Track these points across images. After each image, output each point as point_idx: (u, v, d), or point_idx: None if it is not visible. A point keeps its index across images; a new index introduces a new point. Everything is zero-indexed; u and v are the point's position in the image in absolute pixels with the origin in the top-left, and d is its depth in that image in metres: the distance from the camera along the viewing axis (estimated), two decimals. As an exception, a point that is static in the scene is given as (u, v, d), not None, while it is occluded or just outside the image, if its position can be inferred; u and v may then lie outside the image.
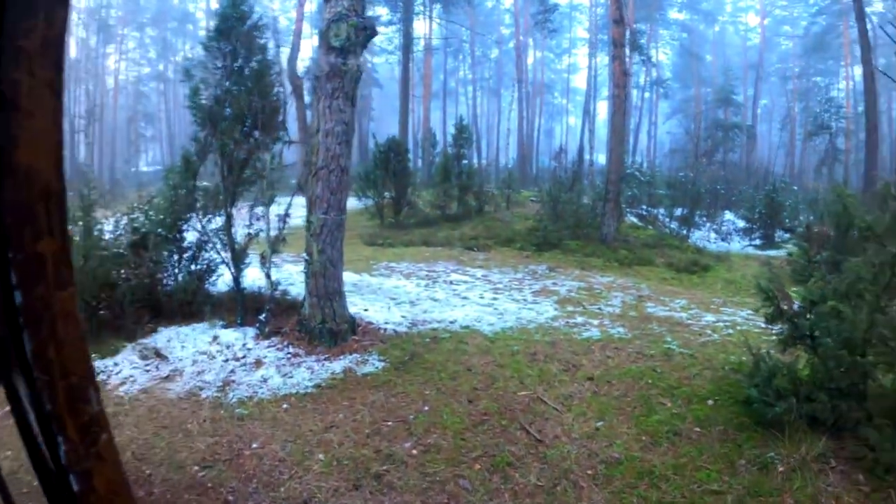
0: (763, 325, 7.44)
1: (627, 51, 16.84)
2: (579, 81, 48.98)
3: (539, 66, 48.14)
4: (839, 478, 3.73)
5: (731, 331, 7.13)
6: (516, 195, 19.46)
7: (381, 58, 43.68)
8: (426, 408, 4.75)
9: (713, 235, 16.92)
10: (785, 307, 4.76)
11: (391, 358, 5.71)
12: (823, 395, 4.05)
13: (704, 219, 17.78)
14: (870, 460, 3.76)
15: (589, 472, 4.05)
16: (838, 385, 4.02)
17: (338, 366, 5.50)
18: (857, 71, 33.02)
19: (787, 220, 16.38)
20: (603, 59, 37.12)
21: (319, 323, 5.95)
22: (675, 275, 11.60)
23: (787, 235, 16.16)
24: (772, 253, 14.79)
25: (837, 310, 3.95)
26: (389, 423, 4.52)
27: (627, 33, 16.11)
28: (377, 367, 5.52)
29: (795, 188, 20.85)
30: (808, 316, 4.46)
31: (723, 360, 5.89)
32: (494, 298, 8.35)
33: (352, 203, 22.80)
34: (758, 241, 16.21)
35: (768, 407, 4.18)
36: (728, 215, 18.68)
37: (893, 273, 3.75)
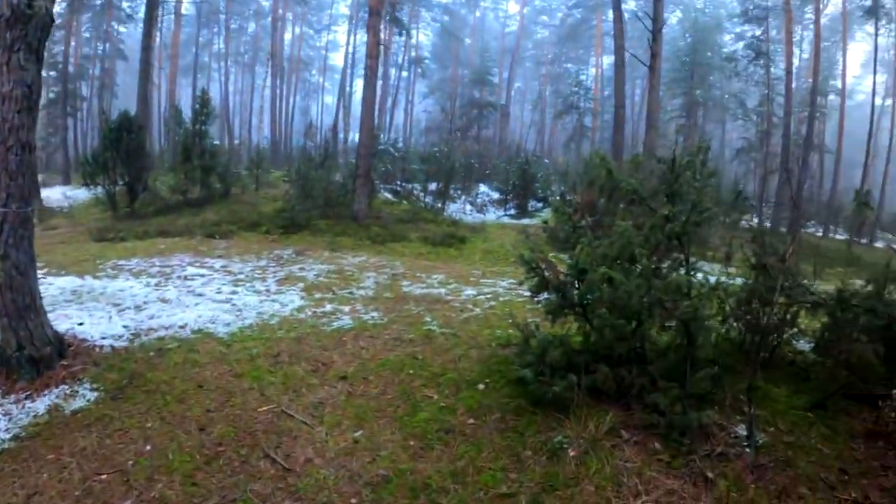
0: (527, 295, 7.94)
1: (384, 23, 16.52)
2: (339, 59, 48.65)
3: (297, 43, 46.28)
4: (635, 451, 3.72)
5: (493, 303, 7.26)
6: (267, 176, 18.50)
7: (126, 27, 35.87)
8: (148, 447, 3.97)
9: (468, 208, 18.07)
10: (549, 276, 4.75)
11: (106, 384, 4.80)
12: (603, 365, 4.06)
13: (459, 192, 18.91)
14: (663, 426, 3.83)
15: (353, 501, 3.36)
16: (619, 353, 4.07)
17: (41, 404, 4.55)
18: (607, 60, 39.71)
19: (539, 191, 18.43)
20: (363, 37, 36.87)
21: (16, 350, 4.87)
22: (431, 249, 11.82)
23: (541, 205, 18.20)
24: (526, 221, 16.44)
25: (609, 276, 3.95)
26: (103, 477, 3.71)
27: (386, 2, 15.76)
28: (89, 400, 4.60)
29: (547, 161, 23.84)
30: (576, 284, 4.48)
31: (488, 337, 5.84)
32: (234, 292, 7.53)
33: (81, 193, 18.57)
34: (512, 212, 17.88)
35: (546, 386, 4.05)
36: (483, 188, 20.28)
37: (665, 235, 3.90)
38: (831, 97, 27.86)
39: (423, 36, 46.40)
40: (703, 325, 3.89)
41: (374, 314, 6.62)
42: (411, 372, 4.96)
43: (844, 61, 27.02)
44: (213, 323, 6.14)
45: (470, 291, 7.90)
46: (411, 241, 12.29)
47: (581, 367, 4.20)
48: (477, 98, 35.95)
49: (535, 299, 4.91)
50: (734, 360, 5.06)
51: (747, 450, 3.89)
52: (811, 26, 28.09)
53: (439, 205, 16.86)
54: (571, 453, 3.71)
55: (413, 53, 41.70)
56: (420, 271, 9.31)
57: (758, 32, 25.13)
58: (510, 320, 6.41)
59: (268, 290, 7.68)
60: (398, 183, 18.36)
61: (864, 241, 21.38)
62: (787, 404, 4.59)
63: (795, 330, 5.30)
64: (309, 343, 5.61)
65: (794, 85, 23.06)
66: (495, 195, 19.43)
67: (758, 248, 5.67)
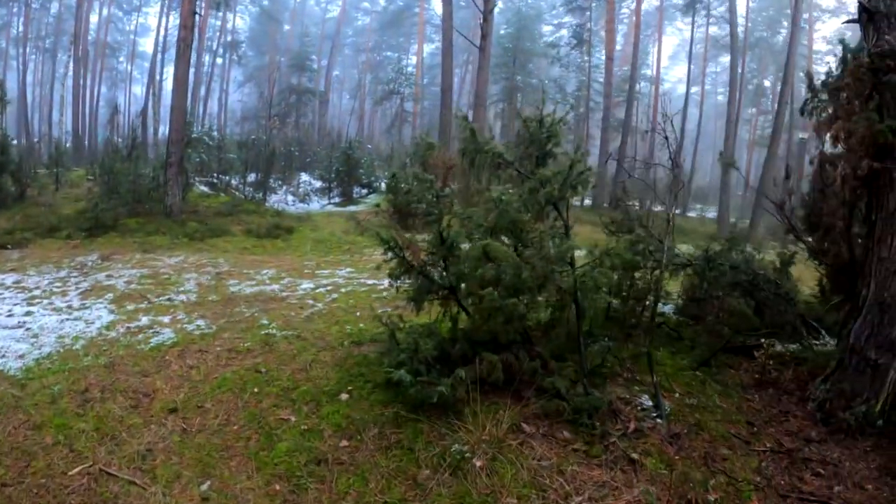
0: (369, 283, 7.07)
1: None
2: (149, 45, 42.27)
3: (104, 26, 38.87)
4: (546, 445, 3.20)
5: (335, 295, 6.42)
6: (68, 175, 15.89)
7: None
8: None
9: (290, 198, 16.69)
10: (410, 257, 3.92)
11: None
12: (486, 352, 3.32)
13: (280, 182, 17.49)
14: (569, 412, 3.38)
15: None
16: (509, 338, 3.34)
17: None
18: (428, 47, 39.94)
19: (363, 177, 17.58)
20: (176, 20, 32.07)
21: None
22: (256, 242, 10.47)
23: (366, 191, 17.29)
24: (353, 208, 15.49)
25: (489, 250, 3.19)
26: None
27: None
28: None
29: (370, 147, 22.94)
30: (444, 263, 3.69)
31: (338, 335, 5.01)
32: (28, 313, 5.93)
33: None
34: (337, 199, 16.83)
35: (430, 387, 3.22)
36: (304, 177, 18.92)
37: (542, 201, 3.25)
38: (643, 84, 31.52)
39: (241, 20, 42.64)
40: (594, 296, 3.37)
41: (201, 322, 5.40)
42: (256, 390, 3.93)
43: (659, 52, 31.21)
44: (2, 357, 4.71)
45: (307, 285, 6.95)
46: (234, 235, 10.86)
47: (458, 358, 3.59)
48: (295, 84, 33.69)
49: (395, 285, 4.20)
50: (608, 329, 4.92)
51: (658, 420, 3.67)
52: (626, 20, 32.10)
53: (260, 196, 15.26)
54: (478, 463, 3.07)
55: (229, 38, 37.74)
56: (247, 267, 8.09)
57: (580, 21, 27.27)
58: (358, 313, 5.67)
59: (70, 307, 6.19)
60: (215, 175, 16.45)
61: (678, 211, 24.72)
62: (672, 367, 4.54)
63: (664, 293, 5.30)
64: (124, 369, 4.32)
65: (616, 69, 25.53)
66: (318, 184, 18.23)
67: (623, 216, 5.58)
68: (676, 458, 3.29)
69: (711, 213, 24.62)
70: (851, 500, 3.13)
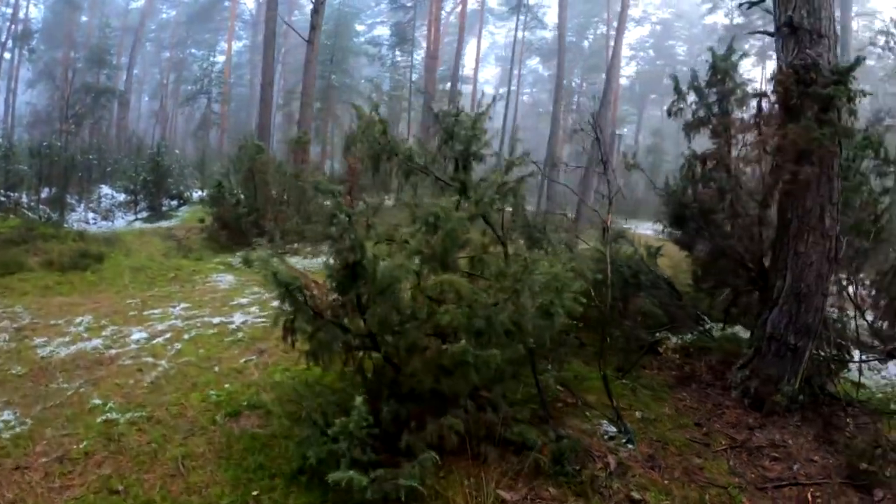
0: (215, 322, 5.68)
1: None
2: None
3: None
4: None
5: (178, 345, 4.95)
6: None
7: None
8: None
9: (92, 215, 13.52)
10: (316, 299, 2.96)
11: None
12: (431, 415, 2.55)
13: (78, 197, 14.13)
14: (548, 463, 2.77)
15: None
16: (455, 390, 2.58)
17: None
18: (236, 45, 35.89)
19: (173, 187, 15.03)
20: None
21: None
22: (61, 277, 7.91)
23: (176, 203, 14.80)
24: (165, 224, 13.06)
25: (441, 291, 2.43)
26: None
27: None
28: None
29: (178, 152, 19.78)
30: (360, 306, 2.79)
31: (203, 407, 3.73)
32: None
33: None
34: (145, 214, 14.08)
35: (389, 482, 2.33)
36: (105, 189, 15.55)
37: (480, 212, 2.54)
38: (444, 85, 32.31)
39: (35, 8, 34.05)
40: (542, 322, 2.78)
41: (8, 416, 3.57)
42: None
43: (479, 53, 32.10)
44: None
45: (138, 334, 5.26)
46: (32, 271, 7.99)
47: (390, 425, 2.75)
48: (93, 83, 27.85)
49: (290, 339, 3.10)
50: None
51: (630, 446, 3.31)
52: (443, 21, 32.35)
53: (57, 215, 12.06)
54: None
55: (20, 28, 29.76)
56: (56, 315, 5.92)
57: (404, 19, 26.85)
58: (217, 367, 4.46)
59: None
60: (1, 192, 12.49)
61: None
62: (597, 378, 4.21)
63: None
64: None
65: (438, 69, 25.67)
66: (122, 196, 15.13)
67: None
68: (666, 482, 3.04)
69: (530, 208, 26.34)
70: (811, 474, 3.33)
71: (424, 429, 2.68)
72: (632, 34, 34.26)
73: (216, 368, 4.39)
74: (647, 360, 4.73)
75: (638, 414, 3.74)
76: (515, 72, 28.94)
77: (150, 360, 4.56)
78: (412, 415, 2.77)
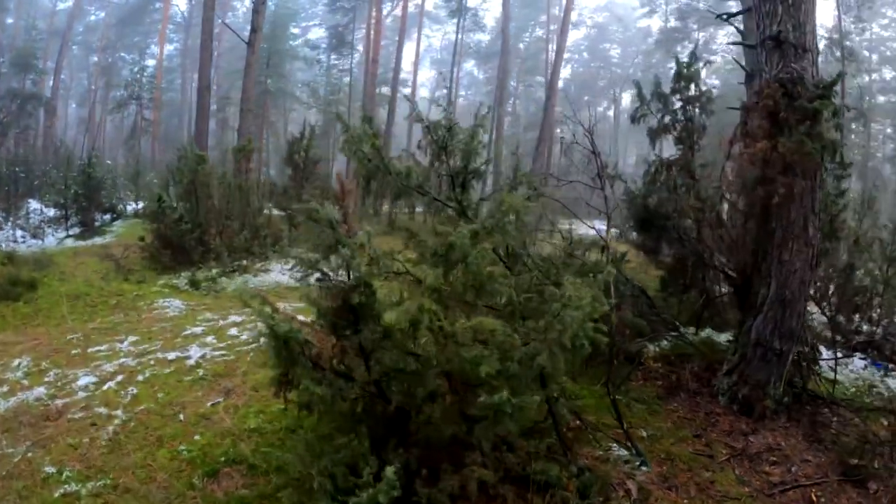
0: (170, 359, 5.13)
1: None
2: None
3: None
4: None
5: (134, 390, 4.37)
6: None
7: None
8: None
9: (20, 233, 12.27)
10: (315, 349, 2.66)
11: None
12: (448, 464, 2.37)
13: (5, 213, 12.79)
14: (575, 501, 2.57)
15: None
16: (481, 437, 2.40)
17: None
18: (169, 47, 33.94)
19: (106, 201, 13.93)
20: None
21: None
22: None
23: (109, 217, 13.76)
24: (99, 241, 12.09)
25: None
26: None
27: None
28: None
29: (110, 163, 18.33)
30: (364, 352, 2.54)
31: (175, 467, 3.28)
32: None
33: None
34: (77, 230, 12.97)
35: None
36: (34, 204, 14.17)
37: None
38: (385, 89, 31.92)
39: None
40: (584, 343, 2.63)
41: None
42: None
43: (417, 55, 31.90)
44: None
45: (86, 378, 4.62)
46: None
47: (406, 471, 2.49)
48: (18, 88, 25.25)
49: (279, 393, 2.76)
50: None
51: (644, 468, 3.19)
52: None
53: None
54: None
55: None
56: None
57: (343, 22, 26.19)
58: (182, 415, 3.96)
59: None
60: None
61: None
62: (590, 395, 4.24)
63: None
64: None
65: (378, 73, 25.27)
66: (51, 212, 13.88)
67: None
68: (686, 501, 3.04)
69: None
70: (809, 474, 3.45)
71: (439, 478, 2.47)
72: (568, 37, 35.18)
73: (181, 416, 3.89)
74: (626, 369, 4.71)
75: (643, 433, 3.70)
76: (454, 74, 28.98)
77: (103, 410, 3.99)
78: (421, 462, 2.55)
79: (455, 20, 27.91)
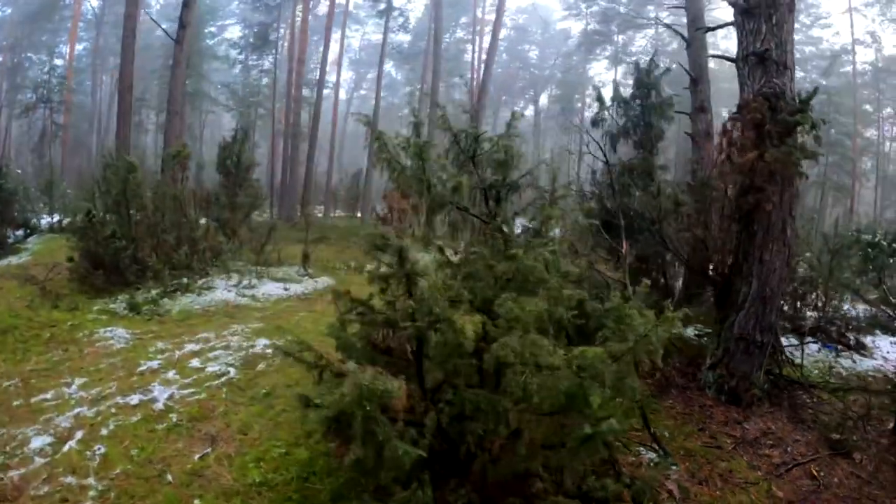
0: (134, 402, 4.33)
1: None
2: None
3: None
4: None
5: (101, 448, 3.62)
6: None
7: None
8: None
9: (-74, 258, 10.68)
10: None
11: None
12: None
13: None
14: None
15: None
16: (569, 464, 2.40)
17: None
18: (79, 46, 30.82)
19: (19, 215, 12.46)
20: None
21: None
22: None
23: (22, 233, 12.32)
24: (15, 261, 10.67)
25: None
26: None
27: None
28: None
29: (19, 172, 16.29)
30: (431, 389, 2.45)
31: None
32: None
33: None
34: (-9, 250, 11.52)
35: None
36: (-64, 222, 12.42)
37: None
38: (306, 91, 30.93)
39: None
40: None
41: None
42: None
43: (341, 56, 30.77)
44: None
45: (40, 439, 3.70)
46: None
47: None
48: None
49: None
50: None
51: (674, 467, 3.34)
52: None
53: None
54: None
55: None
56: None
57: (267, 20, 24.93)
58: (170, 476, 3.25)
59: None
60: None
61: (358, 215, 25.31)
62: None
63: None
64: None
65: (304, 72, 24.38)
66: (-42, 231, 12.28)
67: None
68: (718, 493, 3.26)
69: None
70: (803, 452, 3.79)
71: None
72: (486, 38, 35.86)
73: (168, 477, 3.22)
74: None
75: (653, 429, 3.85)
76: (374, 76, 28.66)
77: (71, 480, 3.21)
78: (484, 500, 2.49)
79: (378, 20, 27.53)
